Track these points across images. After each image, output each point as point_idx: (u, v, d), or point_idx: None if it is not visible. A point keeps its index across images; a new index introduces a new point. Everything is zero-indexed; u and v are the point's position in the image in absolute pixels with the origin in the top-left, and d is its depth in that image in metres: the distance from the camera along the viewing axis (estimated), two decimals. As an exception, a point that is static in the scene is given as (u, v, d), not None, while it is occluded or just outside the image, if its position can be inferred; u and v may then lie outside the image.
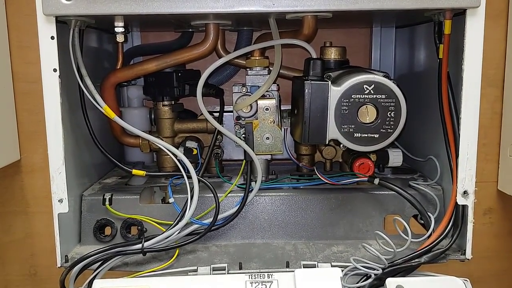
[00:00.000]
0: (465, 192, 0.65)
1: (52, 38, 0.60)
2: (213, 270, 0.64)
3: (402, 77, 0.94)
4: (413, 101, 0.81)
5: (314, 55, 0.71)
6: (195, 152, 0.77)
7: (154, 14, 0.60)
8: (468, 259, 0.67)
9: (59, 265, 0.65)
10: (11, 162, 0.94)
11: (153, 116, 0.85)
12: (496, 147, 0.99)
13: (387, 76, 0.67)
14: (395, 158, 0.79)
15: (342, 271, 0.61)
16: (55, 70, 0.61)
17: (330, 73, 0.69)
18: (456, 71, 0.65)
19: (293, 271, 0.58)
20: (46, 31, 0.60)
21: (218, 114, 0.80)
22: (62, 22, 0.63)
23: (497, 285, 1.02)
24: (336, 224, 0.73)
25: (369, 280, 0.61)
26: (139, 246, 0.64)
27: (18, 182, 0.98)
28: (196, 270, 0.65)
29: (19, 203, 0.99)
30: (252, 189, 0.72)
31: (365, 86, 0.65)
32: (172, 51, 0.75)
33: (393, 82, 0.66)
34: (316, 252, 0.69)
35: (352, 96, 0.65)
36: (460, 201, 0.66)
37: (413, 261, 0.64)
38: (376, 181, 0.71)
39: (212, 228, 0.69)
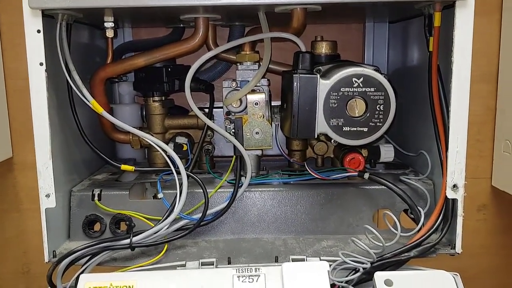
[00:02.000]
0: (454, 186, 0.65)
1: (38, 31, 0.60)
2: (201, 265, 0.64)
3: (395, 73, 0.94)
4: (406, 96, 0.81)
5: (303, 49, 0.71)
6: (185, 147, 0.76)
7: (141, 7, 0.59)
8: (458, 253, 0.66)
9: (46, 260, 0.65)
10: (3, 159, 0.94)
11: (144, 113, 0.85)
12: (490, 143, 0.98)
13: (377, 69, 0.67)
14: (387, 153, 0.79)
15: (331, 265, 0.61)
16: (41, 64, 0.61)
17: (319, 67, 0.69)
18: (447, 65, 0.65)
19: (281, 265, 0.58)
20: (32, 24, 0.60)
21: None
22: (49, 17, 0.63)
23: (491, 281, 1.02)
24: (326, 219, 0.72)
25: (358, 274, 0.61)
26: (128, 241, 0.64)
27: (11, 180, 0.97)
28: (184, 265, 0.64)
29: (11, 200, 0.98)
30: (242, 184, 0.72)
31: (354, 79, 0.65)
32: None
33: (383, 75, 0.66)
34: (305, 247, 0.69)
35: (341, 90, 0.65)
36: (450, 194, 0.65)
37: (402, 255, 0.63)
38: (366, 175, 0.71)
39: (201, 223, 0.68)
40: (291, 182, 0.75)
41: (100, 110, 0.66)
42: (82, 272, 0.62)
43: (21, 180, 0.97)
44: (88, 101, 0.65)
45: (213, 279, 0.57)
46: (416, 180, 0.74)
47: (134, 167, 0.69)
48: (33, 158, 0.95)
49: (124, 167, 0.69)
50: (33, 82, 0.62)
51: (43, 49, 0.61)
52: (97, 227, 0.72)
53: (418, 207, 0.68)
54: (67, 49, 0.65)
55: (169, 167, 0.69)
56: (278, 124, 0.79)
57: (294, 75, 0.65)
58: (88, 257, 0.63)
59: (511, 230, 1.01)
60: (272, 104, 0.78)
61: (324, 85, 0.65)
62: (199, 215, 0.68)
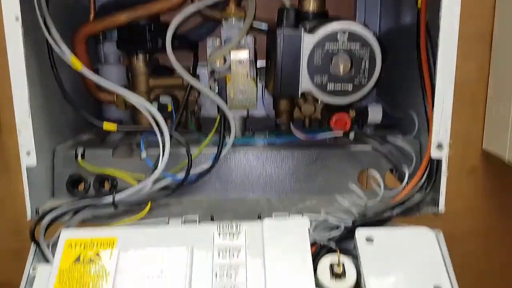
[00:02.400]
0: (439, 145, 0.64)
1: (13, -16, 0.58)
2: (184, 222, 0.64)
3: (388, 32, 0.92)
4: (398, 57, 0.80)
5: (288, 4, 0.69)
6: (169, 108, 0.75)
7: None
8: (441, 212, 0.66)
9: (29, 218, 0.65)
10: (-10, 121, 0.93)
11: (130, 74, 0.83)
12: (482, 105, 0.97)
13: (365, 26, 0.65)
14: (375, 114, 0.78)
15: (312, 222, 0.61)
16: (17, 18, 0.59)
17: (305, 23, 0.67)
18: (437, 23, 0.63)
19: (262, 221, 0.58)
20: (6, -24, 0.58)
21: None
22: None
23: (477, 244, 1.02)
24: (311, 180, 0.72)
25: (339, 231, 0.61)
26: (110, 198, 0.64)
27: (-2, 142, 0.97)
28: (167, 223, 0.65)
29: (0, 162, 0.98)
30: (226, 145, 0.71)
31: (339, 34, 0.63)
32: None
33: (370, 31, 0.64)
34: (289, 206, 0.68)
35: (326, 46, 0.63)
36: (434, 153, 0.64)
37: (384, 213, 0.63)
38: (351, 135, 0.70)
39: (185, 182, 0.68)
40: (277, 143, 0.75)
41: (79, 66, 0.64)
42: (65, 229, 0.63)
43: (9, 142, 0.97)
44: (67, 57, 0.64)
45: (194, 236, 0.57)
46: (403, 140, 0.73)
47: (116, 125, 0.69)
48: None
49: (106, 125, 0.68)
50: (9, 37, 0.60)
51: (18, 2, 0.59)
52: (81, 187, 0.72)
53: (403, 167, 0.68)
54: (45, 4, 0.63)
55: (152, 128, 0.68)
56: (264, 85, 0.78)
57: (277, 31, 0.63)
58: (71, 214, 0.64)
59: (500, 193, 1.01)
60: (260, 66, 0.77)
61: (308, 41, 0.63)
62: (183, 174, 0.68)
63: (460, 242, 1.00)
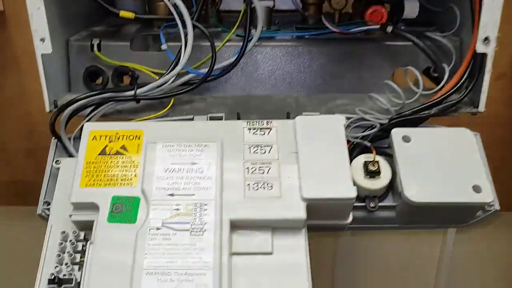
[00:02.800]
0: (486, 39, 0.59)
1: None
2: (209, 119, 0.61)
3: None
4: None
5: None
6: (189, -4, 0.69)
7: None
8: (480, 112, 0.63)
9: (48, 110, 0.62)
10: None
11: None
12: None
13: None
14: (411, 8, 0.71)
15: (345, 121, 0.58)
16: None
17: None
18: None
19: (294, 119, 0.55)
20: None
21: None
22: None
23: (501, 152, 1.01)
24: (342, 77, 0.68)
25: (374, 130, 0.58)
26: (132, 92, 0.61)
27: (4, 36, 0.91)
28: (192, 119, 0.62)
29: (8, 59, 0.93)
30: (252, 38, 0.66)
31: None
32: None
33: None
34: (318, 105, 0.65)
35: None
36: (480, 48, 0.59)
37: (422, 112, 0.60)
38: (389, 29, 0.65)
39: (208, 78, 0.64)
40: (306, 37, 0.69)
41: None
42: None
43: (16, 37, 0.91)
44: None
45: (223, 131, 0.54)
46: (442, 36, 0.67)
47: (134, 14, 0.63)
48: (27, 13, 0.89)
49: (123, 13, 0.63)
50: None
51: None
52: (99, 81, 0.69)
53: (443, 64, 0.63)
54: None
55: (172, 17, 0.62)
56: (293, -28, 0.71)
57: None
58: (92, 108, 0.61)
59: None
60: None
61: None
62: (206, 70, 0.64)
63: (486, 150, 0.99)
